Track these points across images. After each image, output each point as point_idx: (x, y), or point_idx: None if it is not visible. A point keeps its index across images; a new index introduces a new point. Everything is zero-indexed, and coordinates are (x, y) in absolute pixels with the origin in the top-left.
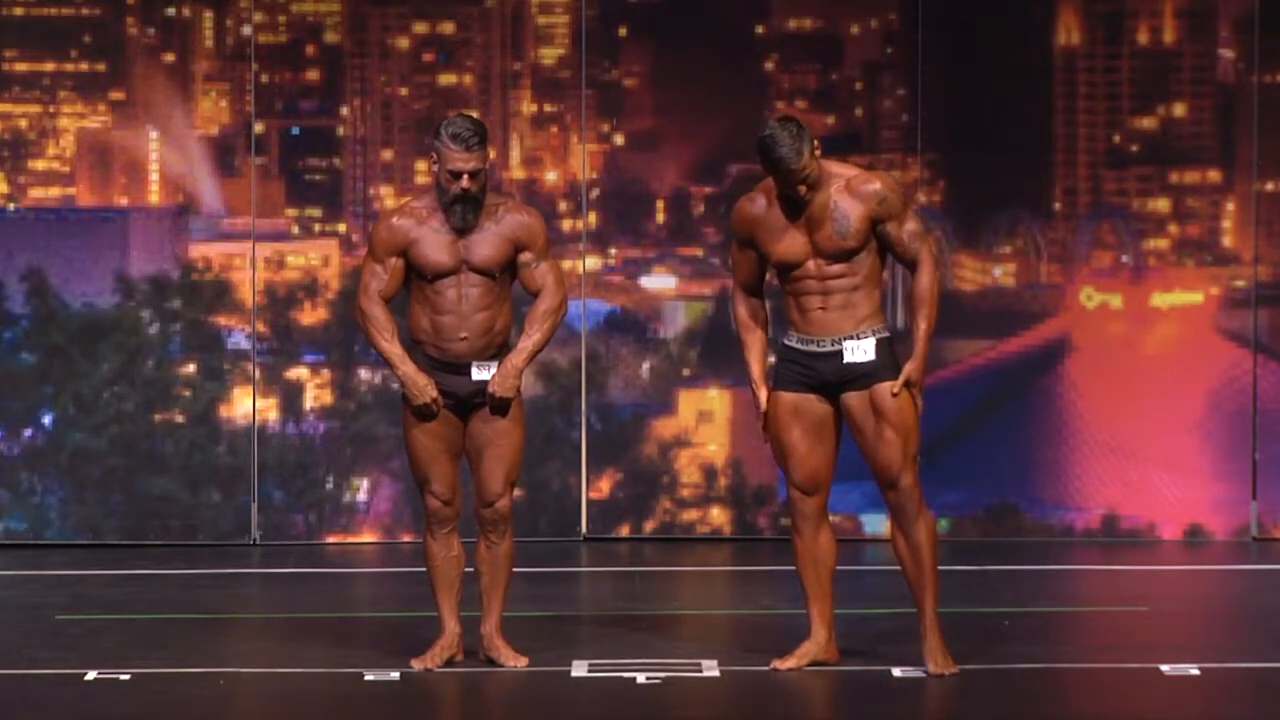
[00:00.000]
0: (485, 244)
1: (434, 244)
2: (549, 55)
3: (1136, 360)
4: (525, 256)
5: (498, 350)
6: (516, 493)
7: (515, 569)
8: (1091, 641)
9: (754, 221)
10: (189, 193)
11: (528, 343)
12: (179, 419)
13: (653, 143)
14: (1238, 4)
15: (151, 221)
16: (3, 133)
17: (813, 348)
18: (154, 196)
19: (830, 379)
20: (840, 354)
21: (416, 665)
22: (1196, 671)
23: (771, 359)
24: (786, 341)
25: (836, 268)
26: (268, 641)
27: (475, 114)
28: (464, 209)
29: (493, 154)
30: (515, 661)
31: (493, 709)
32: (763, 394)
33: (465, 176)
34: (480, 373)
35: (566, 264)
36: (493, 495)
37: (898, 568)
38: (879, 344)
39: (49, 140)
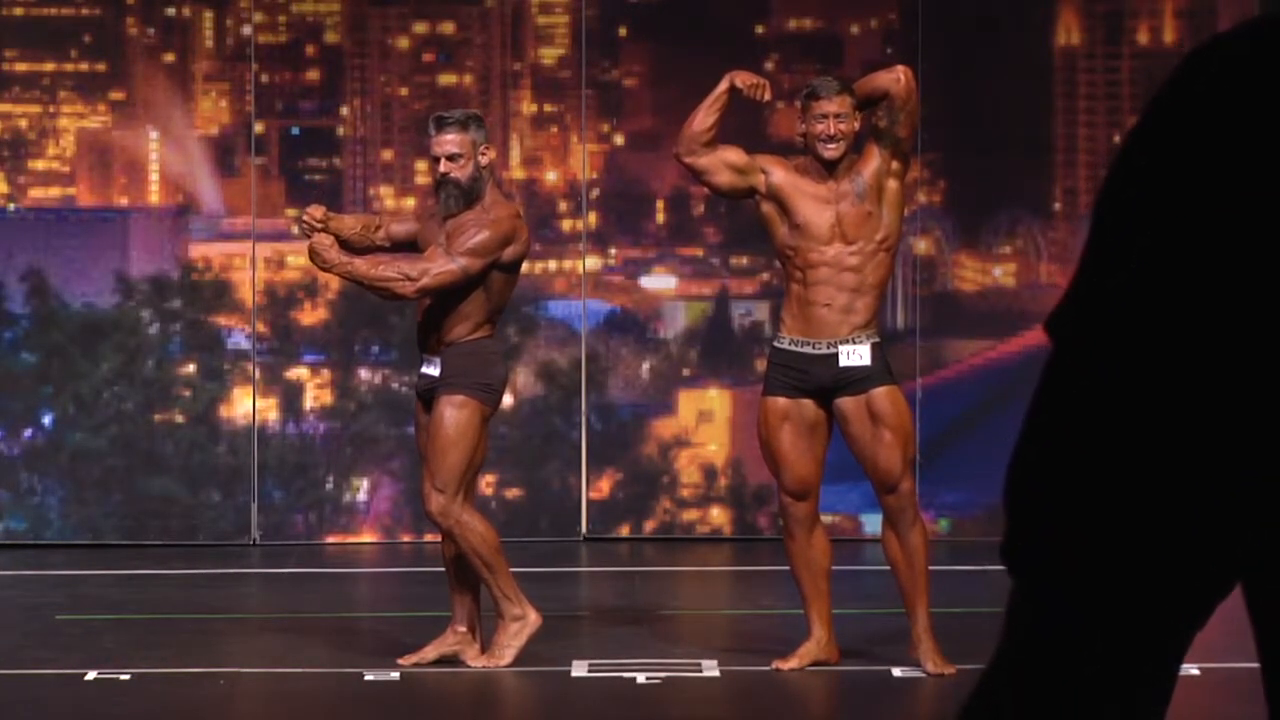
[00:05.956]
0: (434, 234)
1: (428, 229)
2: (549, 55)
3: None
4: (441, 237)
5: (442, 347)
6: (517, 492)
7: (515, 569)
8: None
9: (787, 171)
10: (189, 193)
11: (354, 262)
12: (179, 419)
13: (653, 143)
14: (1238, 4)
15: (151, 221)
16: (3, 133)
17: (807, 349)
18: (154, 196)
19: (825, 383)
20: (836, 357)
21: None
22: (1196, 672)
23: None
24: (778, 344)
25: (854, 258)
26: (268, 641)
27: (476, 112)
28: (446, 194)
29: (492, 152)
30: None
31: (493, 709)
32: (723, 83)
33: (443, 160)
34: (425, 366)
35: (567, 264)
36: (424, 495)
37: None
38: (874, 349)
39: (49, 140)
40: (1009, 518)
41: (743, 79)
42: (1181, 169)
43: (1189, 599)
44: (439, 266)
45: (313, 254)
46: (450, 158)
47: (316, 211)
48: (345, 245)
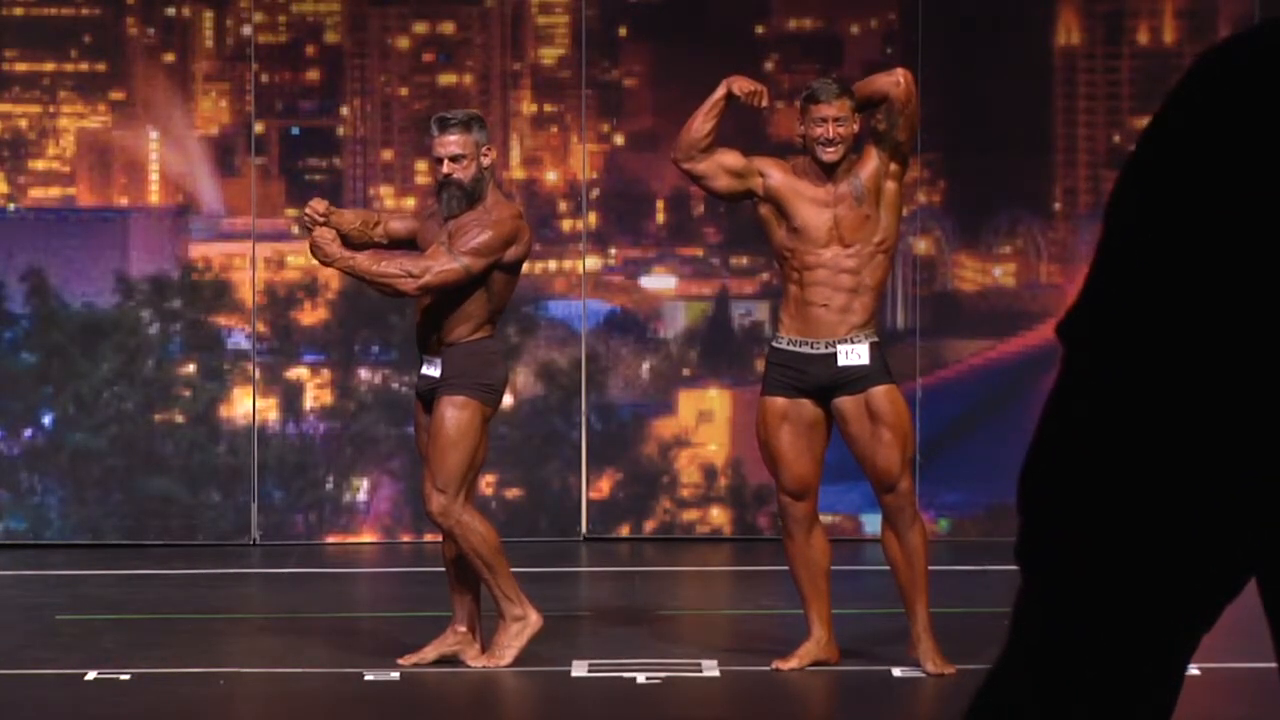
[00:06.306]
0: (434, 234)
1: (427, 229)
2: (549, 55)
3: None
4: (444, 236)
5: (443, 347)
6: (517, 492)
7: (515, 569)
8: None
9: (785, 173)
10: (189, 193)
11: (356, 257)
12: (179, 419)
13: (653, 143)
14: (1238, 4)
15: (151, 221)
16: (3, 133)
17: (805, 349)
18: (154, 196)
19: (824, 383)
20: (834, 357)
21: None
22: (1196, 672)
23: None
24: (776, 344)
25: (851, 260)
26: (268, 641)
27: (477, 112)
28: (448, 195)
29: (494, 153)
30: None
31: (493, 709)
32: (721, 89)
33: (446, 161)
34: (425, 367)
35: (567, 264)
36: (424, 496)
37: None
38: (872, 348)
39: (49, 140)
40: (1023, 519)
41: (740, 85)
42: (1185, 172)
43: (1197, 601)
44: (441, 265)
45: (314, 248)
46: (453, 159)
47: (319, 205)
48: (344, 240)
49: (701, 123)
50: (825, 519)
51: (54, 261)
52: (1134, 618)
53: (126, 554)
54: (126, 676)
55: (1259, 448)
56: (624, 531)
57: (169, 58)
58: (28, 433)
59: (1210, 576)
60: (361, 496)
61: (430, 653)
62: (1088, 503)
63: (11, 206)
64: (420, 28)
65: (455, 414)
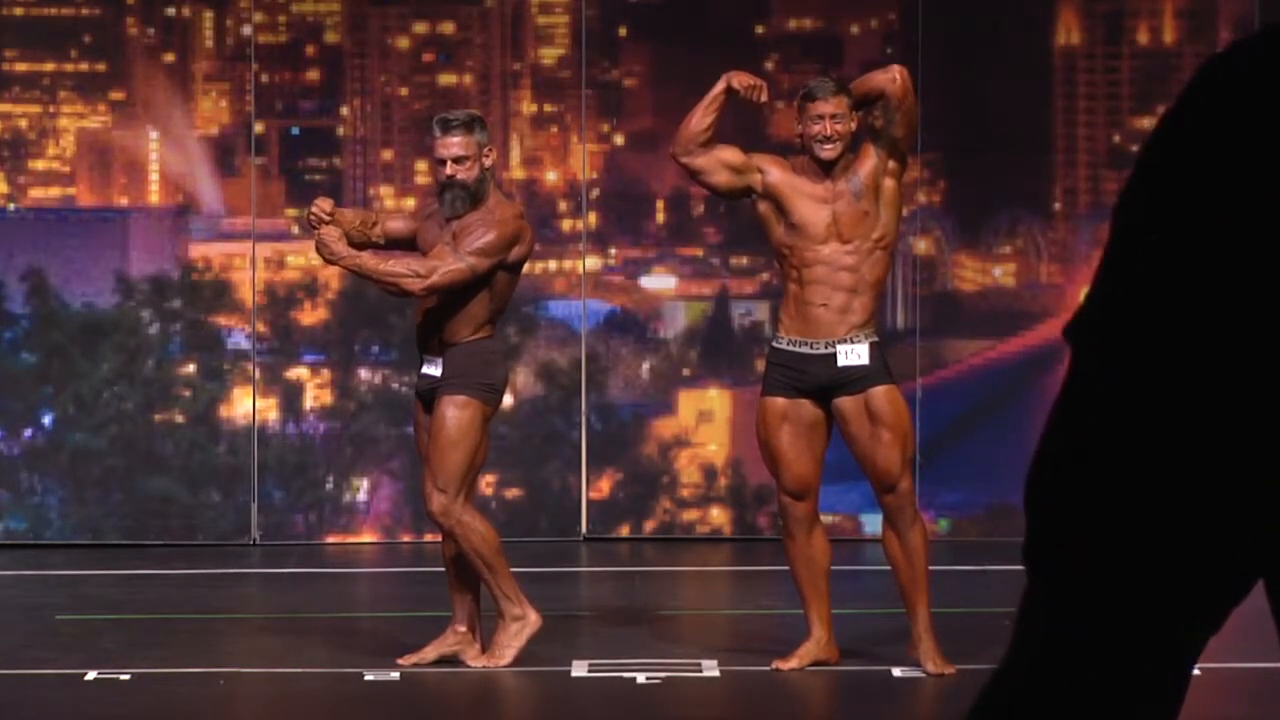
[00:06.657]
0: (433, 235)
1: (427, 229)
2: (549, 55)
3: None
4: (447, 236)
5: (444, 347)
6: (517, 492)
7: (515, 569)
8: None
9: (784, 170)
10: (189, 193)
11: (362, 256)
12: (179, 419)
13: (653, 143)
14: (1238, 4)
15: (151, 221)
16: (3, 133)
17: (805, 349)
18: (154, 196)
19: (824, 383)
20: (834, 357)
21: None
22: (1197, 672)
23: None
24: (776, 344)
25: (850, 257)
26: (268, 641)
27: (478, 113)
28: (452, 196)
29: (494, 154)
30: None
31: (493, 709)
32: (721, 84)
33: (449, 162)
34: (426, 366)
35: (567, 264)
36: (425, 495)
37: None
38: (872, 348)
39: (49, 140)
40: (1030, 521)
41: (740, 80)
42: (1190, 177)
43: (1201, 604)
44: (447, 265)
45: (320, 246)
46: (456, 160)
47: (325, 204)
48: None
49: (701, 117)
50: (825, 519)
51: (54, 261)
52: (1138, 620)
53: (126, 554)
54: (126, 676)
55: (1264, 452)
56: (624, 531)
57: (169, 58)
58: (28, 433)
59: (1214, 580)
60: (361, 496)
61: (430, 653)
62: (1093, 505)
63: (11, 206)
64: (420, 28)
65: (456, 414)
